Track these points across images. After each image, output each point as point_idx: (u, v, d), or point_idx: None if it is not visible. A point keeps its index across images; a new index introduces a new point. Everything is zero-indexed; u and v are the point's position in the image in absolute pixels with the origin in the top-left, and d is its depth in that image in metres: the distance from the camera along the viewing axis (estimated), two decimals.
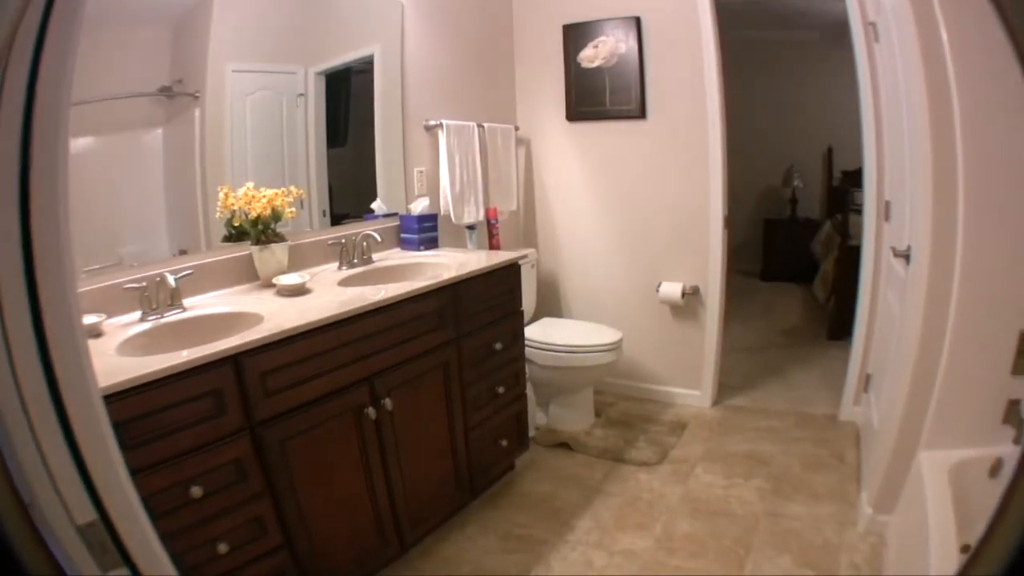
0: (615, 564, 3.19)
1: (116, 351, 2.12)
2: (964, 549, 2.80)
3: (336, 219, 3.61)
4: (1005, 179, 2.82)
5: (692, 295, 4.83)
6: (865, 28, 4.17)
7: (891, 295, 4.02)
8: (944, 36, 2.73)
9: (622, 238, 5.03)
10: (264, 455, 2.24)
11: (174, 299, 2.55)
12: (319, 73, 3.43)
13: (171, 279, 2.47)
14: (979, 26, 2.67)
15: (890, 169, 4.18)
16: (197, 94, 2.83)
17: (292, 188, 3.03)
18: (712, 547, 3.32)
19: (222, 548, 2.11)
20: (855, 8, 4.16)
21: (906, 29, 2.91)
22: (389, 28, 3.83)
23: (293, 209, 3.02)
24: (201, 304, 2.65)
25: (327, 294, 2.79)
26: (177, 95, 2.78)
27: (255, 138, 3.20)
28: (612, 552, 3.28)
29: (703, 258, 4.76)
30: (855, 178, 5.00)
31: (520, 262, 3.72)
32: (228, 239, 2.95)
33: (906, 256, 3.34)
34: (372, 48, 3.75)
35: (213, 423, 2.06)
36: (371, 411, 2.66)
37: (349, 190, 3.75)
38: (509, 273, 3.57)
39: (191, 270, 2.66)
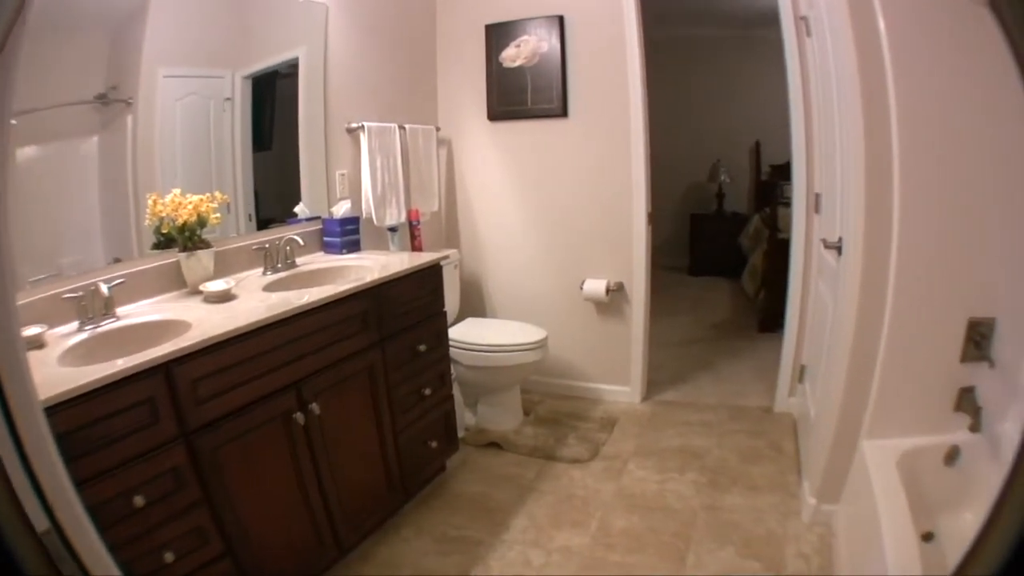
0: (554, 562, 3.26)
1: (58, 362, 2.15)
2: (926, 537, 2.86)
3: (262, 223, 3.63)
4: (946, 167, 2.91)
5: (617, 292, 4.94)
6: (797, 22, 4.29)
7: (823, 286, 4.13)
8: (881, 26, 2.82)
9: (545, 237, 5.12)
10: (199, 463, 2.28)
11: (108, 308, 2.57)
12: (246, 77, 3.46)
13: (104, 288, 2.50)
14: (918, 15, 2.78)
15: (820, 162, 4.31)
16: (130, 100, 2.85)
17: (217, 194, 3.06)
18: (651, 542, 3.40)
19: (168, 557, 2.16)
20: (787, 2, 4.29)
21: (840, 20, 2.99)
22: (314, 30, 3.86)
23: (219, 215, 3.05)
24: (134, 312, 2.68)
25: (252, 300, 2.82)
26: (112, 102, 2.80)
27: (184, 143, 3.22)
28: (550, 550, 3.34)
29: (627, 255, 4.87)
30: (784, 171, 5.11)
31: (442, 263, 3.79)
32: (157, 246, 2.97)
33: (838, 247, 3.43)
34: (297, 51, 3.78)
35: (149, 432, 2.09)
36: (299, 416, 2.69)
37: (275, 194, 3.77)
38: (431, 274, 3.64)
39: (123, 278, 2.68)
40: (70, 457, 1.22)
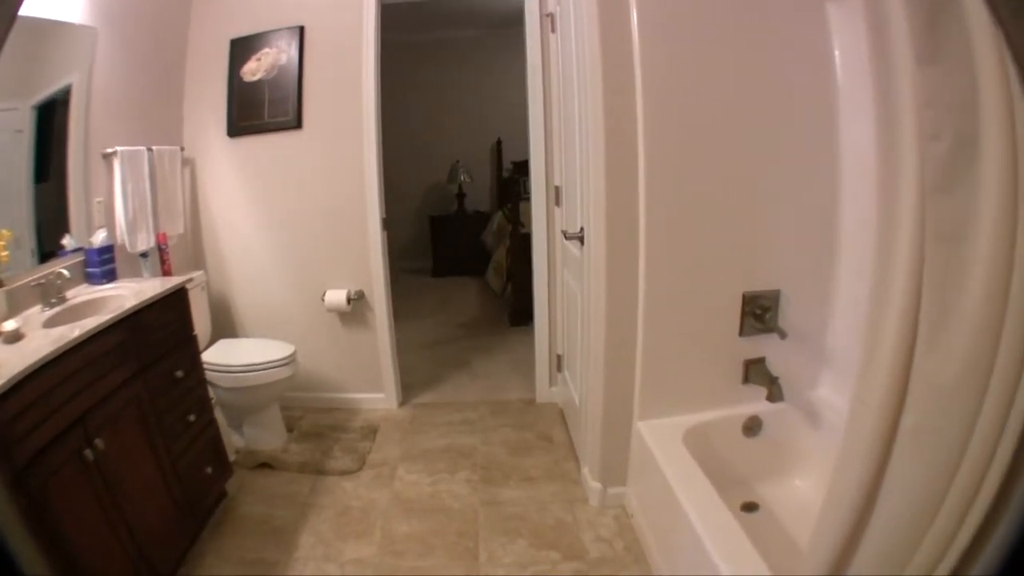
0: (349, 574, 3.48)
1: None
2: (747, 507, 3.22)
3: (45, 257, 3.64)
4: (696, 147, 3.25)
5: (359, 300, 5.24)
6: (542, 19, 4.65)
7: (569, 276, 4.48)
8: (634, 16, 3.13)
9: (285, 250, 5.31)
10: (34, 504, 2.40)
11: None
12: (33, 107, 3.51)
13: None
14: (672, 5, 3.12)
15: (560, 155, 4.67)
16: None
17: (4, 231, 3.11)
18: (437, 544, 3.66)
19: None
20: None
21: (589, 10, 3.27)
22: (84, 54, 3.89)
23: (7, 252, 3.11)
24: None
25: (37, 337, 2.88)
26: None
27: None
28: (342, 563, 3.55)
29: (365, 262, 5.18)
30: (526, 168, 5.46)
31: (189, 286, 3.92)
32: None
33: (579, 237, 3.75)
34: (72, 77, 3.81)
35: None
36: (89, 453, 2.78)
37: (53, 227, 3.77)
38: (179, 298, 3.76)
39: None
40: None
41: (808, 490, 3.31)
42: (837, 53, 3.18)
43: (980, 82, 1.26)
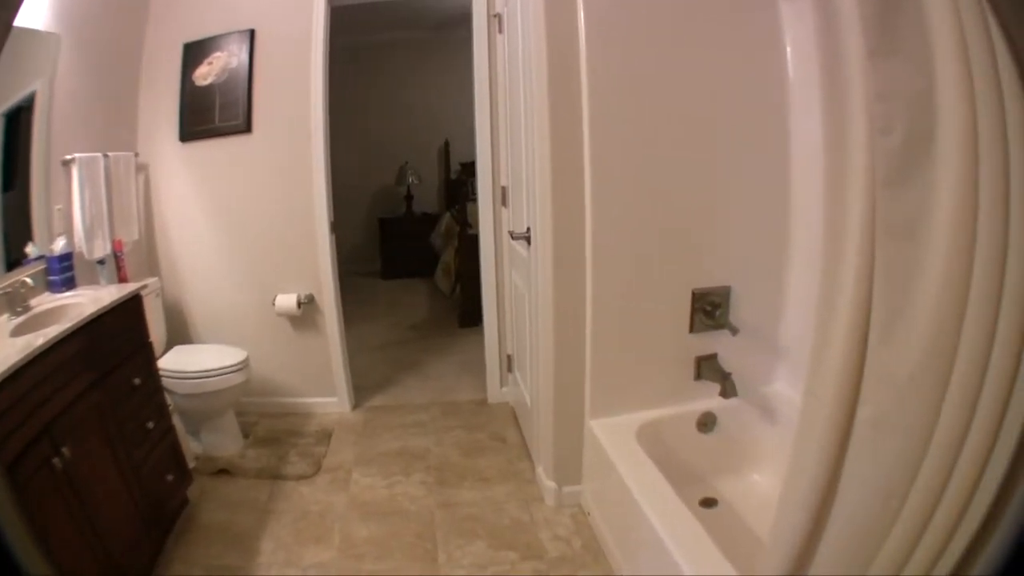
0: None
1: None
2: (705, 503, 3.28)
3: (11, 265, 3.64)
4: (642, 146, 3.31)
5: (308, 304, 5.26)
6: (490, 20, 4.71)
7: (516, 276, 4.54)
8: (581, 16, 3.19)
9: (236, 255, 5.32)
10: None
11: None
12: (2, 115, 3.52)
13: None
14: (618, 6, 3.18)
15: (507, 156, 4.74)
16: None
17: None
18: (396, 546, 3.70)
19: None
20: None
21: (535, 13, 3.33)
22: (48, 61, 3.91)
23: None
24: None
25: (5, 346, 2.89)
26: None
27: None
28: (304, 568, 3.59)
29: (314, 266, 5.21)
30: (473, 169, 5.53)
31: (144, 292, 3.94)
32: None
33: (526, 237, 3.80)
34: (36, 83, 3.83)
35: None
36: (57, 461, 2.80)
37: (18, 234, 3.78)
38: (134, 305, 3.77)
39: None
40: None
41: (767, 485, 3.39)
42: (789, 50, 3.29)
43: (938, 75, 1.30)
